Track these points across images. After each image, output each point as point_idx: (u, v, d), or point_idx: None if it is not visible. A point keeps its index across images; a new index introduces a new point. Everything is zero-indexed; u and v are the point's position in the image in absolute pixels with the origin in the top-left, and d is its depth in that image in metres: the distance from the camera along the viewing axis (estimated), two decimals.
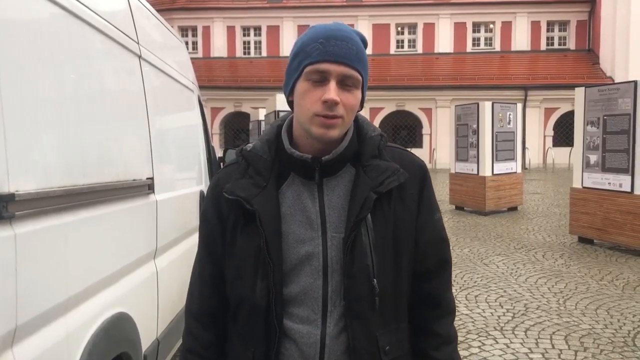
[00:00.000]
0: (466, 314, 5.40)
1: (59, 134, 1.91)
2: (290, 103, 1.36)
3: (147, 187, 2.81)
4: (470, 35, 31.10)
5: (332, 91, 1.24)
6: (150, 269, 2.89)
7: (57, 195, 1.82)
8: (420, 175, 1.42)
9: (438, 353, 1.43)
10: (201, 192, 4.18)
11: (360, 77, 1.29)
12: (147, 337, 2.75)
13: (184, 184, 3.73)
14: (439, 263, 1.45)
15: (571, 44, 30.82)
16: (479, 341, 4.70)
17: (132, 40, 2.77)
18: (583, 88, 8.94)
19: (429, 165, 26.84)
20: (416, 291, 1.43)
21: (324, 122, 1.25)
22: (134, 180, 2.62)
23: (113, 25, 2.47)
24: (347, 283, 1.30)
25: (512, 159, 12.71)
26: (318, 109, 1.25)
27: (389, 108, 28.76)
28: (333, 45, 1.25)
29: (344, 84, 1.26)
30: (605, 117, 8.39)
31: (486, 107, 12.11)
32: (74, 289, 1.94)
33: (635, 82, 7.98)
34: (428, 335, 1.44)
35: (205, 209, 1.45)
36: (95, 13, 2.25)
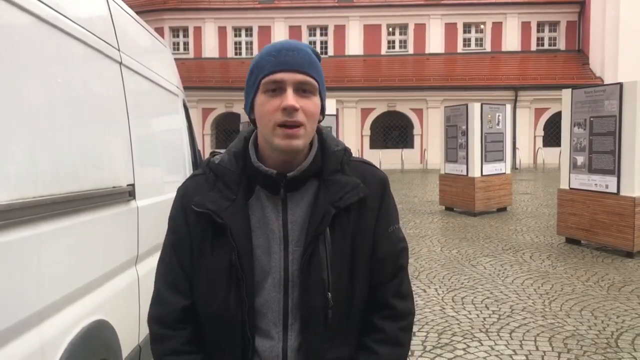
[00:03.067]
0: (452, 316, 5.43)
1: (35, 143, 1.91)
2: (254, 121, 1.37)
3: (127, 193, 2.81)
4: (461, 35, 31.17)
5: (290, 97, 1.26)
6: (132, 275, 2.89)
7: (32, 206, 1.82)
8: (381, 188, 1.43)
9: (377, 346, 1.38)
10: None
11: (316, 83, 1.31)
12: (128, 344, 2.75)
13: (168, 190, 3.73)
14: (392, 273, 1.43)
15: (561, 45, 30.96)
16: (464, 343, 4.72)
17: (113, 47, 2.77)
18: (570, 90, 8.99)
19: (420, 166, 27.08)
20: (371, 299, 1.42)
21: (287, 132, 1.27)
22: (113, 187, 2.63)
23: (92, 33, 2.47)
24: (303, 296, 1.32)
25: (501, 159, 12.76)
26: (278, 118, 1.27)
27: (380, 109, 28.78)
28: (285, 55, 1.29)
29: (301, 91, 1.29)
30: (591, 119, 8.45)
31: (475, 109, 12.16)
32: (50, 298, 1.94)
33: (620, 84, 8.04)
34: (371, 329, 1.41)
35: (174, 217, 1.43)
36: (73, 22, 2.25)
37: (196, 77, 27.63)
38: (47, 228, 1.95)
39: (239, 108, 27.15)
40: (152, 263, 3.21)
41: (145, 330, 3.08)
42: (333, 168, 1.38)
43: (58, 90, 2.14)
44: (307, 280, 1.31)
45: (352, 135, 27.80)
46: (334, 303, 1.32)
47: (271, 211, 1.36)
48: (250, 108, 1.36)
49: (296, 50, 1.30)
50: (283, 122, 1.26)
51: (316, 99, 1.32)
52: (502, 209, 12.73)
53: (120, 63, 2.88)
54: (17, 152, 1.80)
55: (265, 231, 1.35)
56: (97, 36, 2.54)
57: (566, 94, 9.00)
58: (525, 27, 30.84)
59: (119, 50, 2.87)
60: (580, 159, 8.68)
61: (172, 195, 4.11)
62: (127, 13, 3.25)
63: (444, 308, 5.68)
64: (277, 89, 1.28)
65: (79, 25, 2.32)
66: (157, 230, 3.35)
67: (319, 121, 1.38)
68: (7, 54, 1.78)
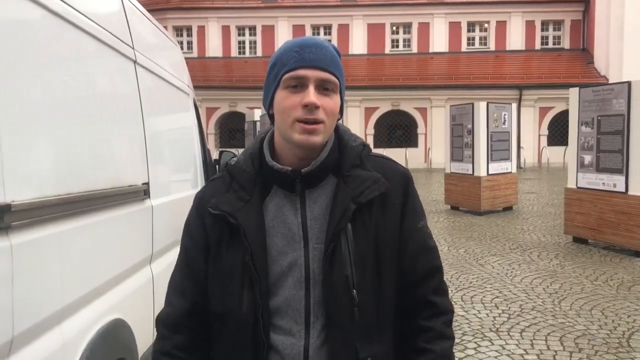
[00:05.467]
0: (462, 315, 5.42)
1: (54, 142, 1.91)
2: (271, 116, 1.36)
3: (142, 192, 2.81)
4: (464, 34, 31.12)
5: (311, 94, 1.25)
6: (146, 274, 2.89)
7: (54, 204, 1.82)
8: (403, 184, 1.41)
9: (432, 345, 1.38)
10: None
11: (337, 81, 1.30)
12: (143, 342, 2.75)
13: (180, 188, 3.73)
14: (427, 271, 1.42)
15: (565, 44, 30.89)
16: (475, 343, 4.71)
17: (127, 45, 2.77)
18: (577, 88, 8.97)
19: (424, 165, 27.06)
20: (406, 300, 1.41)
21: (305, 128, 1.26)
22: (129, 186, 2.62)
23: (108, 32, 2.47)
24: (327, 294, 1.30)
25: (507, 158, 12.75)
26: (298, 114, 1.26)
27: (384, 108, 28.76)
28: (308, 52, 1.27)
29: (322, 88, 1.28)
30: (599, 118, 8.42)
31: (481, 108, 12.14)
32: (70, 297, 1.94)
33: (629, 83, 8.01)
34: (421, 331, 1.40)
35: (189, 222, 1.44)
36: (90, 19, 2.25)
37: (200, 76, 27.60)
38: (68, 227, 1.94)
39: (242, 107, 27.21)
40: (165, 262, 3.22)
41: None
42: (352, 163, 1.37)
43: (76, 89, 2.13)
44: (330, 278, 1.29)
45: (356, 134, 27.71)
46: (360, 300, 1.30)
47: (289, 209, 1.34)
48: (269, 103, 1.35)
49: (319, 47, 1.29)
50: (303, 119, 1.25)
51: (336, 97, 1.31)
52: (508, 208, 12.71)
53: (135, 61, 2.87)
54: (38, 151, 1.80)
55: (283, 230, 1.34)
56: (113, 34, 2.53)
57: (573, 92, 8.97)
58: (530, 26, 30.78)
59: (133, 48, 2.86)
60: (587, 158, 8.65)
61: (185, 194, 4.13)
62: (140, 11, 3.25)
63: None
64: (299, 85, 1.27)
65: (96, 23, 2.32)
66: (170, 229, 3.36)
67: (337, 119, 1.37)
68: (30, 52, 1.78)
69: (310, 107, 1.24)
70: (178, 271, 1.46)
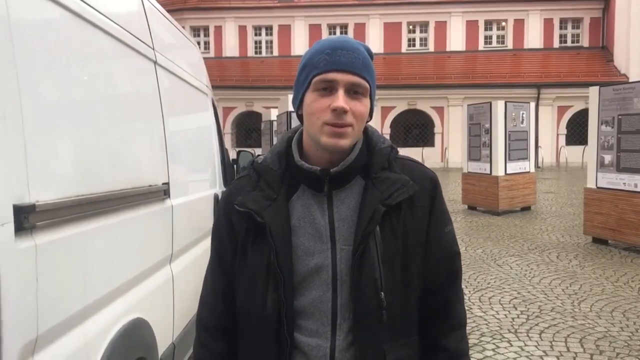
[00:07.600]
0: (480, 316, 5.38)
1: (77, 143, 1.92)
2: (300, 117, 1.36)
3: (163, 192, 2.82)
4: (482, 33, 30.93)
5: (340, 99, 1.24)
6: (166, 273, 2.90)
7: (76, 204, 1.83)
8: (431, 188, 1.40)
9: None
10: (215, 196, 4.19)
11: (368, 85, 1.29)
12: (163, 342, 2.76)
13: (199, 188, 3.75)
14: (449, 276, 1.43)
15: (584, 42, 30.54)
16: (493, 344, 4.68)
17: (148, 46, 2.78)
18: (597, 87, 8.85)
19: (440, 164, 26.93)
20: (425, 305, 1.41)
21: (334, 131, 1.26)
22: (150, 185, 2.64)
23: (129, 32, 2.48)
24: (355, 296, 1.30)
25: (525, 158, 12.64)
26: (327, 118, 1.25)
27: (400, 107, 28.67)
28: (339, 55, 1.27)
29: (352, 92, 1.27)
30: (620, 117, 8.31)
31: (499, 107, 12.04)
32: (92, 297, 1.96)
33: None
34: (436, 350, 1.41)
35: (218, 221, 1.45)
36: (111, 20, 2.26)
37: (216, 76, 27.68)
38: (90, 227, 1.96)
39: (259, 107, 27.28)
40: (185, 261, 3.24)
41: (179, 328, 3.09)
42: (380, 165, 1.36)
43: (98, 90, 2.15)
44: (358, 280, 1.29)
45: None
46: (388, 303, 1.30)
47: (316, 209, 1.34)
48: (298, 104, 1.35)
49: (351, 50, 1.28)
50: (331, 123, 1.25)
51: (366, 101, 1.30)
52: (526, 208, 12.60)
53: (155, 62, 2.89)
54: (61, 152, 1.82)
55: (310, 230, 1.33)
56: (134, 35, 2.55)
57: (594, 91, 8.86)
58: (548, 24, 30.50)
59: (153, 49, 2.88)
60: (608, 158, 8.54)
61: (204, 194, 4.14)
62: (159, 11, 3.26)
63: (471, 308, 5.63)
64: (328, 88, 1.27)
65: (117, 24, 2.33)
66: (189, 229, 3.37)
67: (367, 122, 1.36)
68: (51, 54, 1.79)
69: (339, 112, 1.24)
70: (210, 271, 1.48)
